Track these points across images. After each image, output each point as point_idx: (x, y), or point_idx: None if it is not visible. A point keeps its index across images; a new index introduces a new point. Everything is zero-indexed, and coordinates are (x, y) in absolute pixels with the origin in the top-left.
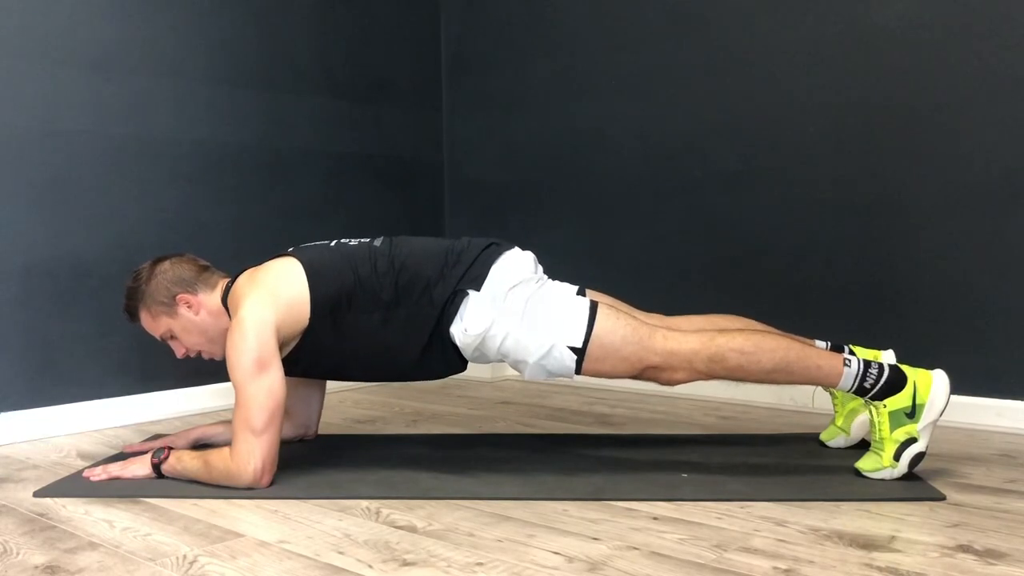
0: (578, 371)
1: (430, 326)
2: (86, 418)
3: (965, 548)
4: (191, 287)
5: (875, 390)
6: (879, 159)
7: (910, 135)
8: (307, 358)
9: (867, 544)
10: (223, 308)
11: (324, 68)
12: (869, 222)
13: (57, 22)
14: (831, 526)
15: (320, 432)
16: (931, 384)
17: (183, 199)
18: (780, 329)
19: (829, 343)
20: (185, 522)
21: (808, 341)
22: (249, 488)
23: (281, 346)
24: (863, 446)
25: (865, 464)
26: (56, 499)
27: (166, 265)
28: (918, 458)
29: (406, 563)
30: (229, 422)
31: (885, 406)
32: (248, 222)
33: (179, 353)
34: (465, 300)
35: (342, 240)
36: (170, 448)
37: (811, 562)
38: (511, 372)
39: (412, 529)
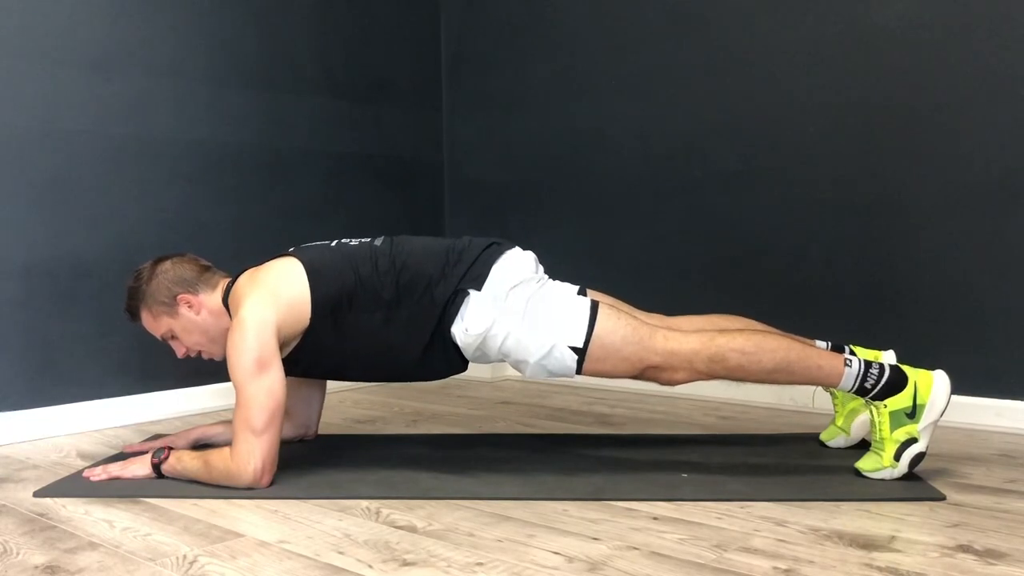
0: (579, 371)
1: (431, 325)
2: (86, 418)
3: (965, 548)
4: (192, 287)
5: (876, 390)
6: (879, 159)
7: (910, 135)
8: (308, 358)
9: (867, 544)
10: (224, 308)
11: (324, 68)
12: (869, 222)
13: (57, 22)
14: (831, 526)
15: (320, 432)
16: (932, 384)
17: (183, 199)
18: (780, 329)
19: (829, 343)
20: (185, 522)
21: (809, 341)
22: (249, 488)
23: (282, 346)
24: (863, 446)
25: (865, 464)
26: (56, 499)
27: (167, 265)
28: (918, 458)
29: (406, 563)
30: (229, 422)
31: (886, 406)
32: (248, 222)
33: (180, 353)
34: (466, 300)
35: (343, 240)
36: (170, 448)
37: (811, 562)
38: (511, 372)
39: (412, 529)
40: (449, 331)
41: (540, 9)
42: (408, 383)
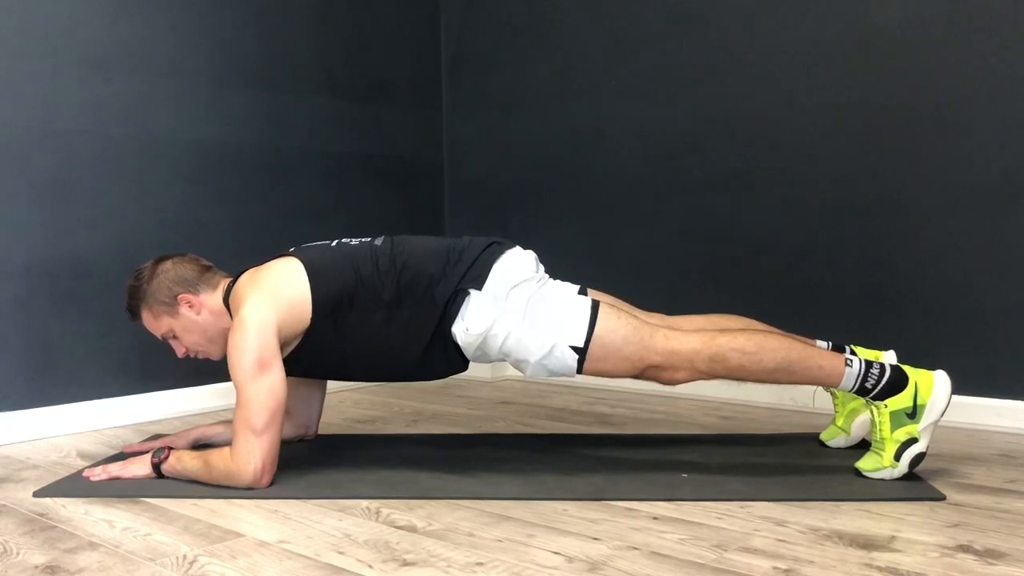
0: (579, 370)
1: (432, 325)
2: (86, 418)
3: (965, 548)
4: (193, 287)
5: (876, 390)
6: (879, 159)
7: (910, 135)
8: (308, 358)
9: (867, 544)
10: (224, 308)
11: (324, 68)
12: (869, 222)
13: (57, 22)
14: (831, 526)
15: (320, 432)
16: (932, 385)
17: (183, 199)
18: (781, 329)
19: (830, 343)
20: (185, 522)
21: (809, 341)
22: (249, 488)
23: (282, 346)
24: (863, 446)
25: (865, 464)
26: (56, 499)
27: (168, 265)
28: (919, 458)
29: (406, 563)
30: (229, 422)
31: (886, 406)
32: (248, 222)
33: (179, 353)
34: (467, 299)
35: (343, 240)
36: (170, 448)
37: (811, 562)
38: (511, 372)
39: (412, 529)
40: (450, 331)
41: (540, 9)
42: (408, 383)
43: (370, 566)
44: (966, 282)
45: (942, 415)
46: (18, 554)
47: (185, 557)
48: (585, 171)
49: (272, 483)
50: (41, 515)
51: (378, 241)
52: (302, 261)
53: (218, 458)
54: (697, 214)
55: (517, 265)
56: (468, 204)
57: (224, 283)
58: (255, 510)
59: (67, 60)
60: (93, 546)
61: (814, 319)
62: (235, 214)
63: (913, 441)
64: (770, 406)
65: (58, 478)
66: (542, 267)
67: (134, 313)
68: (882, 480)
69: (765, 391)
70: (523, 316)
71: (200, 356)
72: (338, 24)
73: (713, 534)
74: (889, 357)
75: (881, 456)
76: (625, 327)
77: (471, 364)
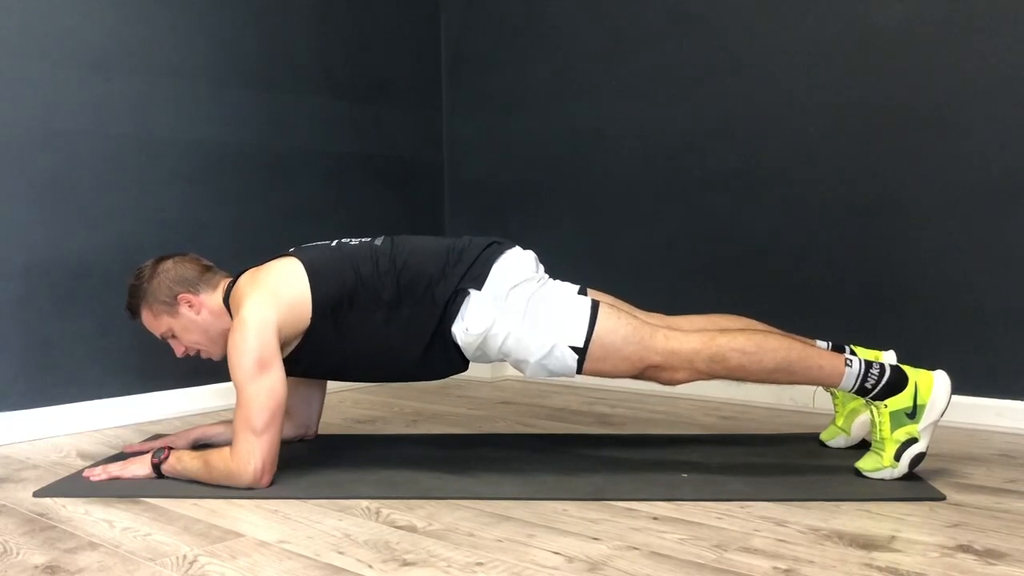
0: (579, 371)
1: (432, 325)
2: (86, 418)
3: (965, 548)
4: (193, 287)
5: (876, 390)
6: (879, 159)
7: (910, 135)
8: (308, 358)
9: (867, 544)
10: (224, 308)
11: (324, 68)
12: (869, 222)
13: (57, 22)
14: (831, 526)
15: (320, 432)
16: (932, 385)
17: (183, 199)
18: (781, 329)
19: (830, 343)
20: (185, 522)
21: (809, 341)
22: (249, 488)
23: (282, 346)
24: (863, 446)
25: (865, 464)
26: (56, 499)
27: (169, 264)
28: (918, 458)
29: (406, 563)
30: (229, 422)
31: (886, 406)
32: (248, 222)
33: (178, 352)
34: (467, 299)
35: (343, 240)
36: (170, 448)
37: (811, 562)
38: (511, 372)
39: (412, 529)
40: (449, 331)
41: (540, 9)
42: (408, 383)
43: (370, 566)
44: (966, 282)
45: (942, 415)
46: (18, 554)
47: (185, 557)
48: (585, 171)
49: (272, 483)
50: (41, 515)
51: (378, 241)
52: (302, 261)
53: (218, 458)
54: (697, 214)
55: (517, 265)
56: (468, 204)
57: (224, 283)
58: (255, 510)
59: (67, 60)
60: (93, 546)
61: (814, 319)
62: (235, 214)
63: (913, 441)
64: (770, 406)
65: (58, 478)
66: (542, 267)
67: (134, 312)
68: (882, 480)
69: (765, 391)
70: (523, 316)
71: (202, 355)
72: (338, 24)
73: (713, 534)
74: (889, 357)
75: (881, 456)
76: (625, 327)
77: (471, 364)
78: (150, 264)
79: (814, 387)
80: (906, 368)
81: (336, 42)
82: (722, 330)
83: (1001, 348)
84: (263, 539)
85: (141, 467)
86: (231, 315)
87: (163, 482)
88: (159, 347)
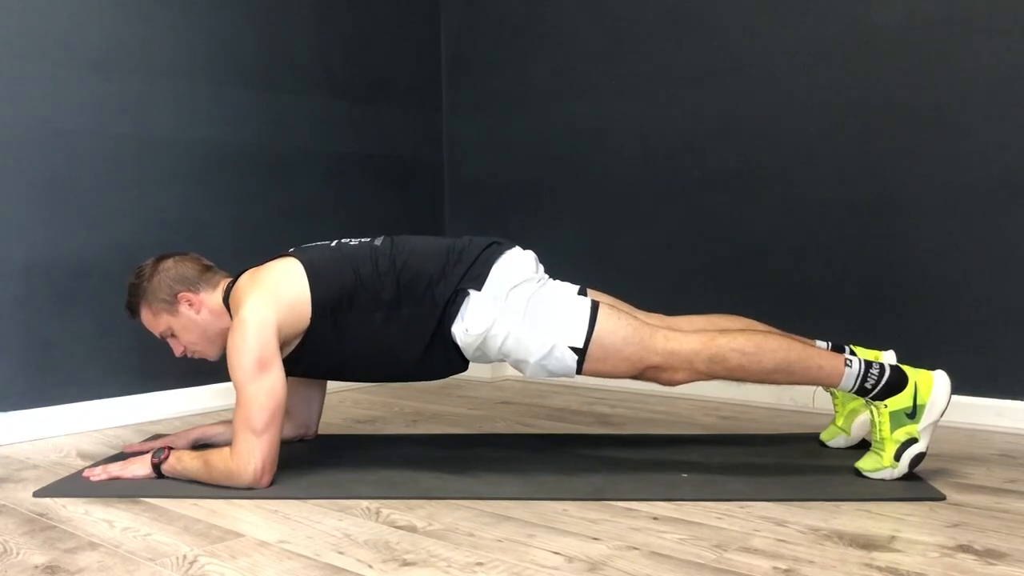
0: (579, 371)
1: (432, 325)
2: (86, 418)
3: (965, 548)
4: (193, 286)
5: (876, 390)
6: (879, 159)
7: (910, 135)
8: (308, 358)
9: (867, 544)
10: (224, 308)
11: (324, 68)
12: (869, 222)
13: (57, 22)
14: (831, 526)
15: (320, 432)
16: (932, 385)
17: (183, 199)
18: (781, 329)
19: (830, 343)
20: (185, 522)
21: (809, 341)
22: (249, 488)
23: (282, 346)
24: (863, 446)
25: (865, 464)
26: (56, 499)
27: (169, 263)
28: (918, 458)
29: (406, 563)
30: (229, 422)
31: (886, 406)
32: (248, 222)
33: (177, 351)
34: (466, 300)
35: (343, 240)
36: (170, 448)
37: (811, 562)
38: (511, 372)
39: (412, 529)
40: (449, 331)
41: (540, 9)
42: (408, 383)
43: (370, 566)
44: (966, 282)
45: (942, 415)
46: (18, 554)
47: (185, 557)
48: (585, 171)
49: (272, 483)
50: (41, 515)
51: (378, 241)
52: (302, 261)
53: (218, 458)
54: (697, 214)
55: (517, 265)
56: (468, 204)
57: (224, 283)
58: (255, 510)
59: (67, 60)
60: (93, 546)
61: (814, 319)
62: (235, 214)
63: (913, 441)
64: (770, 406)
65: (58, 478)
66: (542, 267)
67: (133, 311)
68: (882, 480)
69: (765, 391)
70: (523, 316)
71: (196, 356)
72: (338, 24)
73: (713, 534)
74: (889, 357)
75: (881, 456)
76: (625, 328)
77: (471, 364)
78: (150, 263)
79: (814, 387)
80: (906, 368)
81: (336, 42)
82: (722, 331)
83: (1001, 348)
84: (263, 539)
85: (141, 467)
86: (231, 315)
87: (163, 482)
88: (159, 347)
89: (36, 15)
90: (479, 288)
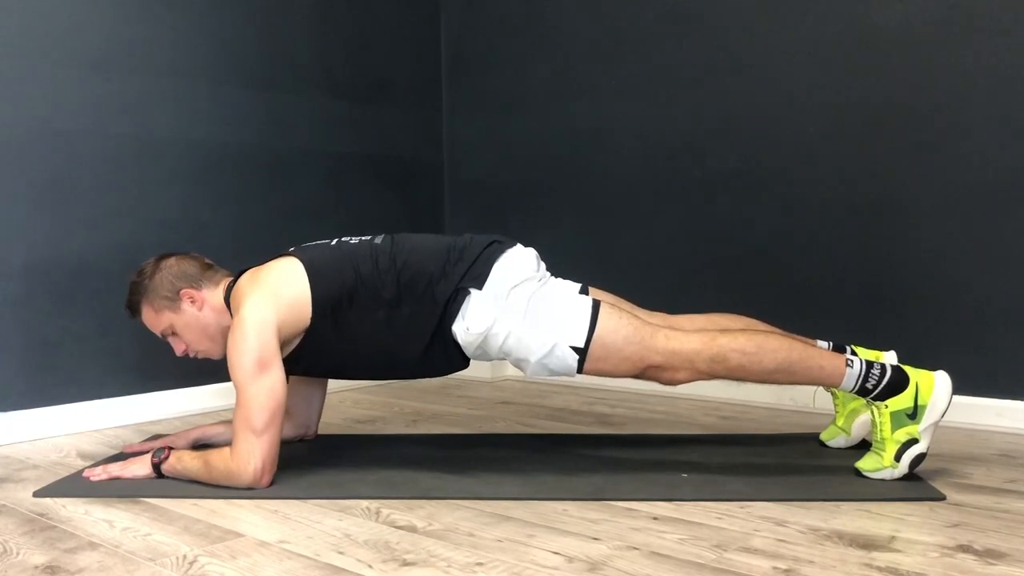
0: (580, 370)
1: (432, 324)
2: (86, 418)
3: (965, 548)
4: (196, 282)
5: (877, 390)
6: (879, 159)
7: (910, 135)
8: (308, 357)
9: (867, 544)
10: (225, 306)
11: (324, 68)
12: (869, 222)
13: (57, 22)
14: (831, 526)
15: (320, 432)
16: (933, 385)
17: (183, 199)
18: (781, 329)
19: (831, 343)
20: (185, 522)
21: (810, 341)
22: (249, 488)
23: (282, 345)
24: (863, 446)
25: (866, 464)
26: (56, 499)
27: (171, 261)
28: (919, 459)
29: (406, 563)
30: (229, 422)
31: (887, 406)
32: (248, 222)
33: (178, 351)
34: (467, 298)
35: (343, 238)
36: (170, 448)
37: (811, 562)
38: (511, 372)
39: (412, 529)
40: (450, 330)
41: (540, 9)
42: (408, 383)
43: (370, 566)
44: (966, 282)
45: (943, 416)
46: (18, 554)
47: (185, 557)
48: (585, 171)
49: (272, 483)
50: (41, 515)
51: (378, 239)
52: (302, 260)
53: (218, 458)
54: (697, 214)
55: (518, 264)
56: (468, 204)
57: (226, 281)
58: (255, 510)
59: (67, 60)
60: (93, 546)
61: (814, 319)
62: (235, 214)
63: (914, 442)
64: (770, 406)
65: (58, 478)
66: (543, 265)
67: (134, 310)
68: (882, 480)
69: (765, 391)
70: (524, 315)
71: (199, 356)
72: (338, 24)
73: (713, 534)
74: (890, 358)
75: (881, 456)
76: (626, 327)
77: (471, 364)
78: (152, 261)
79: (815, 387)
80: (907, 368)
81: (336, 42)
82: (723, 330)
83: (1001, 348)
84: (263, 539)
85: (141, 467)
86: (231, 314)
87: (163, 482)
88: (159, 347)
89: (36, 15)
90: (480, 287)
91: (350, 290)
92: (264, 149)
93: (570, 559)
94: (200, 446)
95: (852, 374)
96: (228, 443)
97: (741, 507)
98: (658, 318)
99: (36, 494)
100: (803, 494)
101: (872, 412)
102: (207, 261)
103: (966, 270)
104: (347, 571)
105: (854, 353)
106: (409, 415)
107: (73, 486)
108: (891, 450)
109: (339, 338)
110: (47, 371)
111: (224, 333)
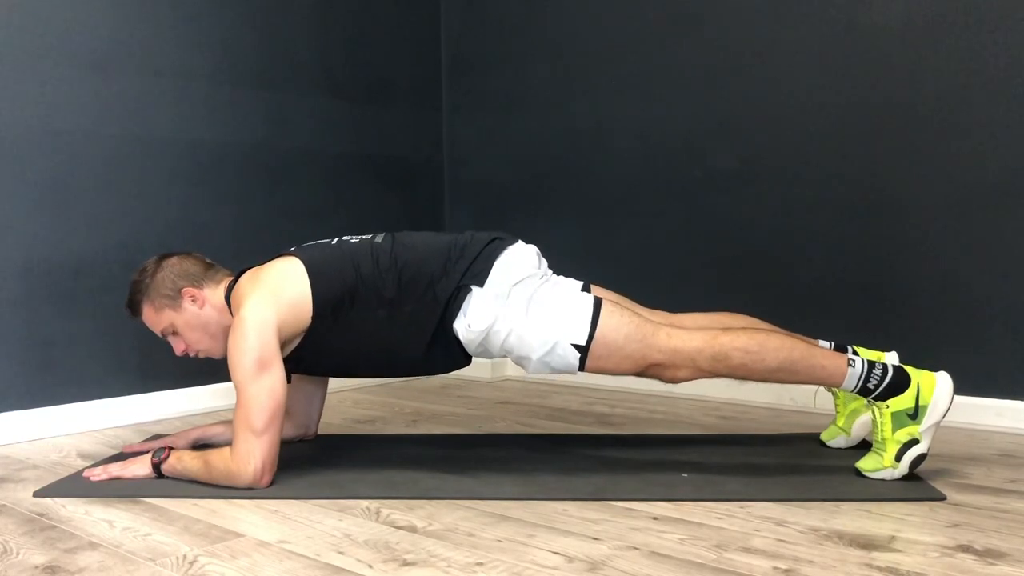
0: (582, 368)
1: (433, 322)
2: (86, 418)
3: (965, 548)
4: (197, 281)
5: (878, 391)
6: (879, 159)
7: (910, 135)
8: (309, 357)
9: (867, 544)
10: (226, 305)
11: (324, 68)
12: (869, 222)
13: (57, 22)
14: (831, 526)
15: (320, 432)
16: (934, 386)
17: (183, 199)
18: (782, 329)
19: (832, 343)
20: (185, 522)
21: (812, 341)
22: (249, 488)
23: (283, 345)
24: (863, 446)
25: (866, 464)
26: (56, 499)
27: (173, 260)
28: (919, 459)
29: (406, 563)
30: (229, 422)
31: (888, 407)
32: (248, 222)
33: (178, 350)
34: (469, 296)
35: (344, 238)
36: (170, 448)
37: (811, 562)
38: (511, 372)
39: (412, 529)
40: (451, 328)
41: (540, 9)
42: (408, 382)
43: (370, 566)
44: (966, 282)
45: (944, 416)
46: (18, 554)
47: (185, 557)
48: (585, 171)
49: (272, 483)
50: (41, 515)
51: (379, 238)
52: (302, 260)
53: (218, 458)
54: (697, 214)
55: (519, 261)
56: (468, 204)
57: (226, 280)
58: (255, 510)
59: (67, 60)
60: (93, 546)
61: (814, 319)
62: (235, 214)
63: (915, 442)
64: (770, 406)
65: (58, 478)
66: (544, 262)
67: (134, 309)
68: (882, 480)
69: (765, 391)
70: (525, 313)
71: (201, 355)
72: (338, 24)
73: (713, 534)
74: (891, 359)
75: (882, 456)
76: (627, 325)
77: (472, 363)
78: (154, 260)
79: (815, 387)
80: (908, 369)
81: (336, 42)
82: (725, 328)
83: (1001, 348)
84: (263, 539)
85: (141, 467)
86: (232, 313)
87: (163, 482)
88: (159, 347)
89: (36, 15)
90: (481, 284)
91: (351, 289)
92: (264, 149)
93: (570, 559)
94: (200, 446)
95: (854, 374)
96: (228, 443)
97: (741, 507)
98: (660, 316)
99: (36, 494)
100: (803, 494)
101: (873, 412)
102: (208, 261)
103: (966, 270)
104: (347, 571)
105: (856, 353)
106: (409, 415)
107: (73, 486)
108: (892, 450)
109: (340, 337)
110: (47, 371)
111: (225, 332)
